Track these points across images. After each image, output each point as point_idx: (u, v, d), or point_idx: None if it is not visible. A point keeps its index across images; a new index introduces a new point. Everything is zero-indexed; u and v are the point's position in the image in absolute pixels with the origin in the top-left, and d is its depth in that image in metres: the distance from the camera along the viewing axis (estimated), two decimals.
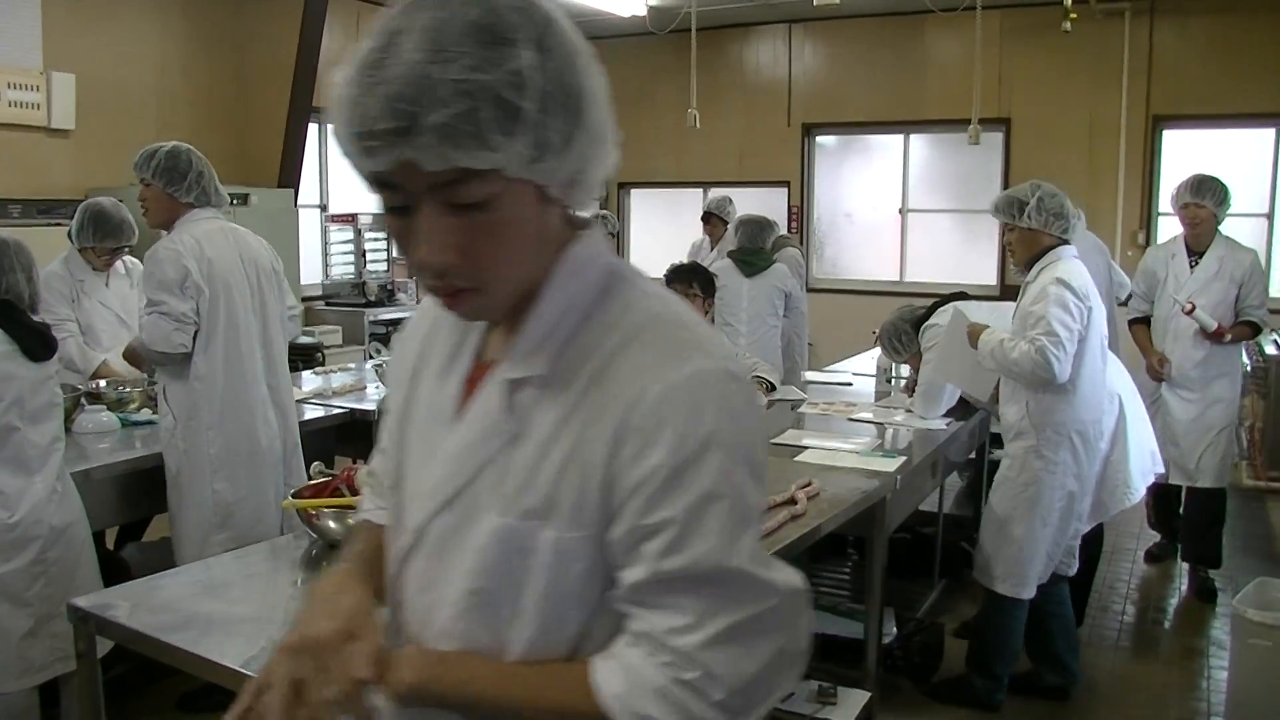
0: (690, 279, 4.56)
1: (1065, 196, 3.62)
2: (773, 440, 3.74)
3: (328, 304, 8.62)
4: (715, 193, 7.93)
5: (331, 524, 2.40)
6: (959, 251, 9.50)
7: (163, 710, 3.49)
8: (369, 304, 8.57)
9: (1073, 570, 3.82)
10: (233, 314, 3.42)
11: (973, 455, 5.05)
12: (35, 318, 3.02)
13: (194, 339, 3.36)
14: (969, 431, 4.34)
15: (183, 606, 2.10)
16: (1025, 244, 3.63)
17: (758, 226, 5.83)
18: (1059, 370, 3.37)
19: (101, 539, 4.45)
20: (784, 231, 8.34)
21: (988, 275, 9.24)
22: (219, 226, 3.46)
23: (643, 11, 8.45)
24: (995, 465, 5.21)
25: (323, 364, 6.72)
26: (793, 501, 2.83)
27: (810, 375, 5.39)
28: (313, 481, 2.58)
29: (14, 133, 6.28)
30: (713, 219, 7.23)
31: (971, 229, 9.45)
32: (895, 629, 3.66)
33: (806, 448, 3.59)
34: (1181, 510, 5.03)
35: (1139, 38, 8.35)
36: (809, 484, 2.99)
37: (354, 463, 4.21)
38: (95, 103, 6.65)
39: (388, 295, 8.78)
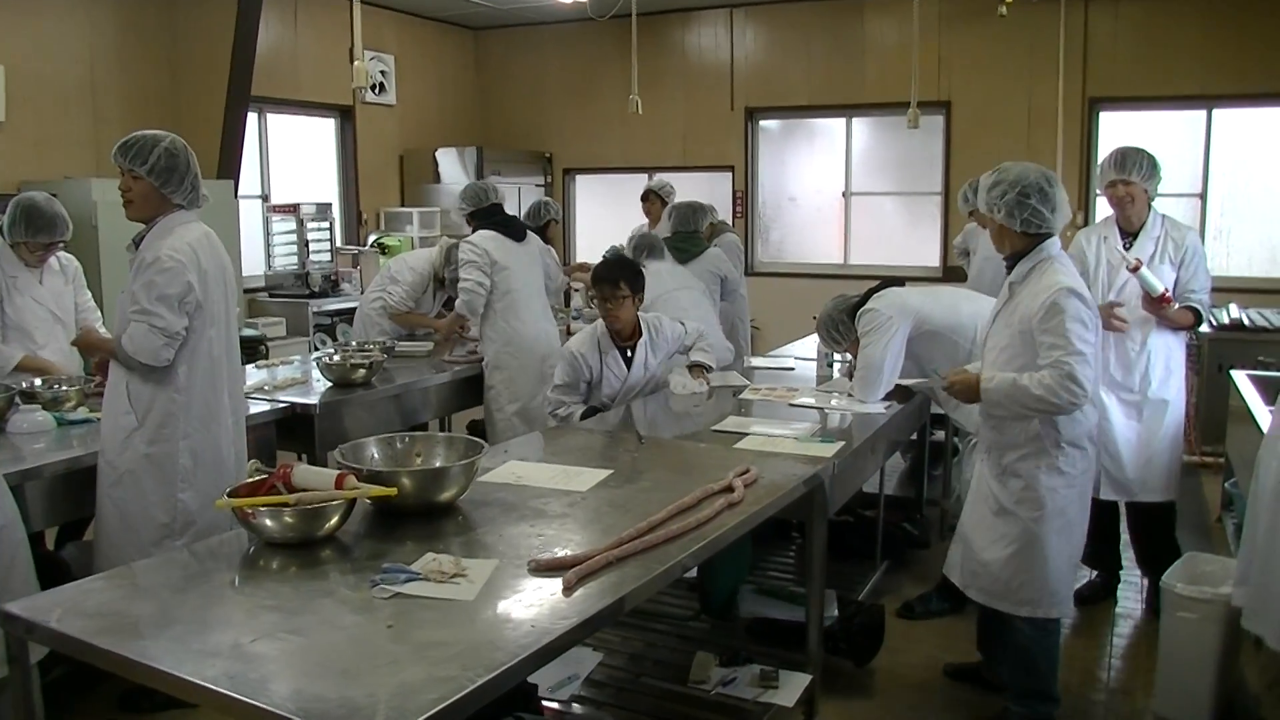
0: (618, 280, 4.36)
1: (1050, 183, 3.23)
2: (714, 427, 3.78)
3: (271, 295, 8.54)
4: (659, 176, 7.93)
5: (268, 522, 2.38)
6: (902, 234, 9.60)
7: (103, 711, 3.47)
8: (313, 295, 8.50)
9: None
10: (213, 325, 3.37)
11: (914, 436, 5.14)
12: None
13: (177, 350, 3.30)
14: (908, 414, 4.40)
15: (116, 609, 2.08)
16: (1003, 235, 3.29)
17: (690, 210, 5.88)
18: (1091, 391, 3.12)
19: (41, 539, 4.41)
20: (724, 216, 8.39)
21: (931, 258, 9.36)
22: (203, 233, 3.37)
23: None
24: (937, 446, 5.35)
25: (266, 356, 6.67)
26: (730, 489, 2.86)
27: (753, 361, 5.43)
28: (249, 480, 2.57)
29: None
30: (652, 197, 7.22)
31: (914, 211, 9.56)
32: (837, 611, 3.72)
33: (746, 434, 3.63)
34: (1125, 522, 4.61)
35: (1074, 21, 8.48)
36: (747, 471, 3.02)
37: (300, 457, 4.21)
38: (25, 95, 6.52)
39: (331, 286, 8.72)
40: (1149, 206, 4.29)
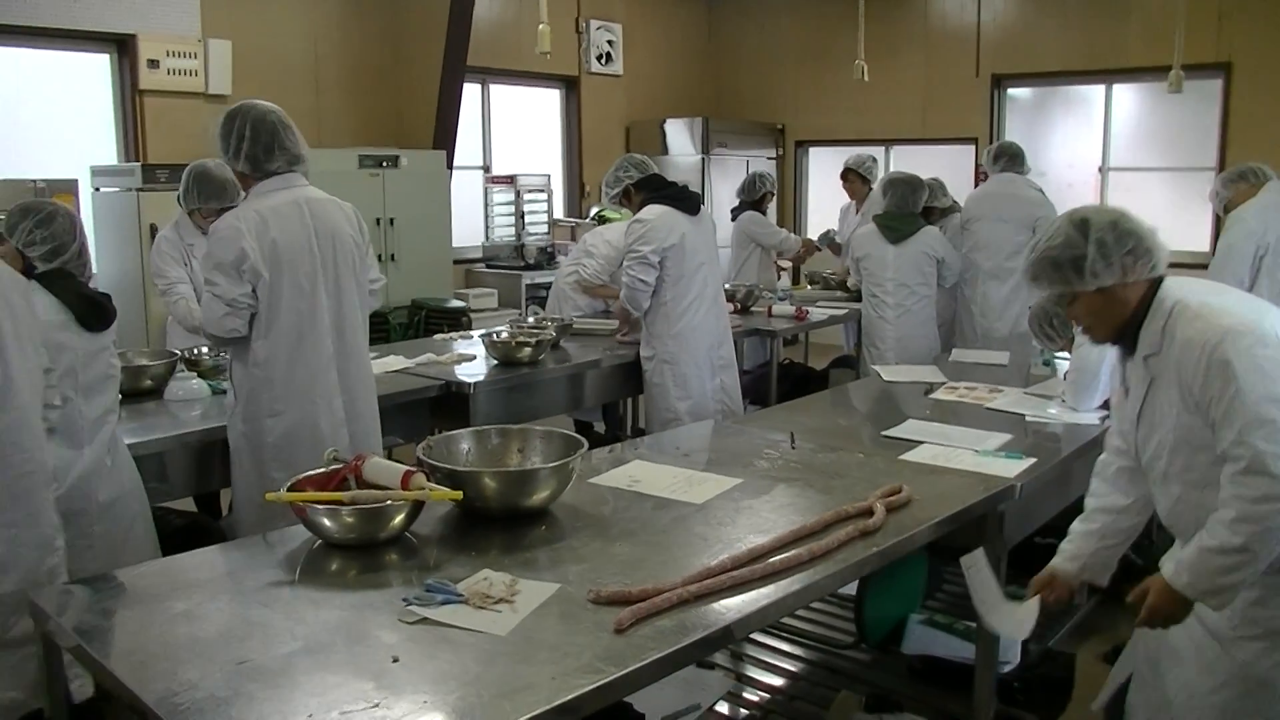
0: None
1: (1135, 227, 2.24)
2: (885, 432, 3.31)
3: (487, 266, 8.57)
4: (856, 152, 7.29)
5: (325, 521, 2.17)
6: (1167, 214, 8.56)
7: None
8: (527, 267, 8.46)
9: None
10: (299, 297, 3.15)
11: None
12: (91, 286, 2.97)
13: (251, 322, 3.15)
14: None
15: (140, 613, 1.91)
16: (1106, 309, 2.26)
17: (909, 188, 5.28)
18: None
19: (216, 501, 4.49)
20: (964, 192, 7.69)
21: (1199, 241, 8.30)
22: (292, 198, 3.17)
23: None
24: None
25: (469, 328, 6.63)
26: (869, 513, 2.42)
27: (957, 355, 4.85)
28: (316, 471, 2.37)
29: (173, 99, 6.46)
30: (851, 176, 6.66)
31: (1182, 188, 8.53)
32: (1018, 657, 3.18)
33: (920, 444, 3.15)
34: None
35: None
36: (898, 491, 2.57)
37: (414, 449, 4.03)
38: (251, 69, 6.74)
39: (547, 258, 8.64)
40: None
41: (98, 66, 6.44)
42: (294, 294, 3.14)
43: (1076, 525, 2.54)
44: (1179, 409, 2.17)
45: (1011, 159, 5.80)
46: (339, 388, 3.25)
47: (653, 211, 4.63)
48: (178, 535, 3.38)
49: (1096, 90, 8.77)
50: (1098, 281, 2.20)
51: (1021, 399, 3.83)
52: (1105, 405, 3.59)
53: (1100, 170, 8.79)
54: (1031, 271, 2.31)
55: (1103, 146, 8.78)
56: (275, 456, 3.13)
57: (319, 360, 3.21)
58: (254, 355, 3.15)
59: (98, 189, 6.09)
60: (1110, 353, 3.48)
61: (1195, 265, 7.57)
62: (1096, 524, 2.50)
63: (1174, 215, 8.53)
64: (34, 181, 5.38)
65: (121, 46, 6.38)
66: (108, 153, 6.46)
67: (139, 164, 5.92)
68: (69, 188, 5.55)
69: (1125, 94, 8.69)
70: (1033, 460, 2.98)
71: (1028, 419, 3.56)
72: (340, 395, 3.25)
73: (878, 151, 9.62)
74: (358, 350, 3.34)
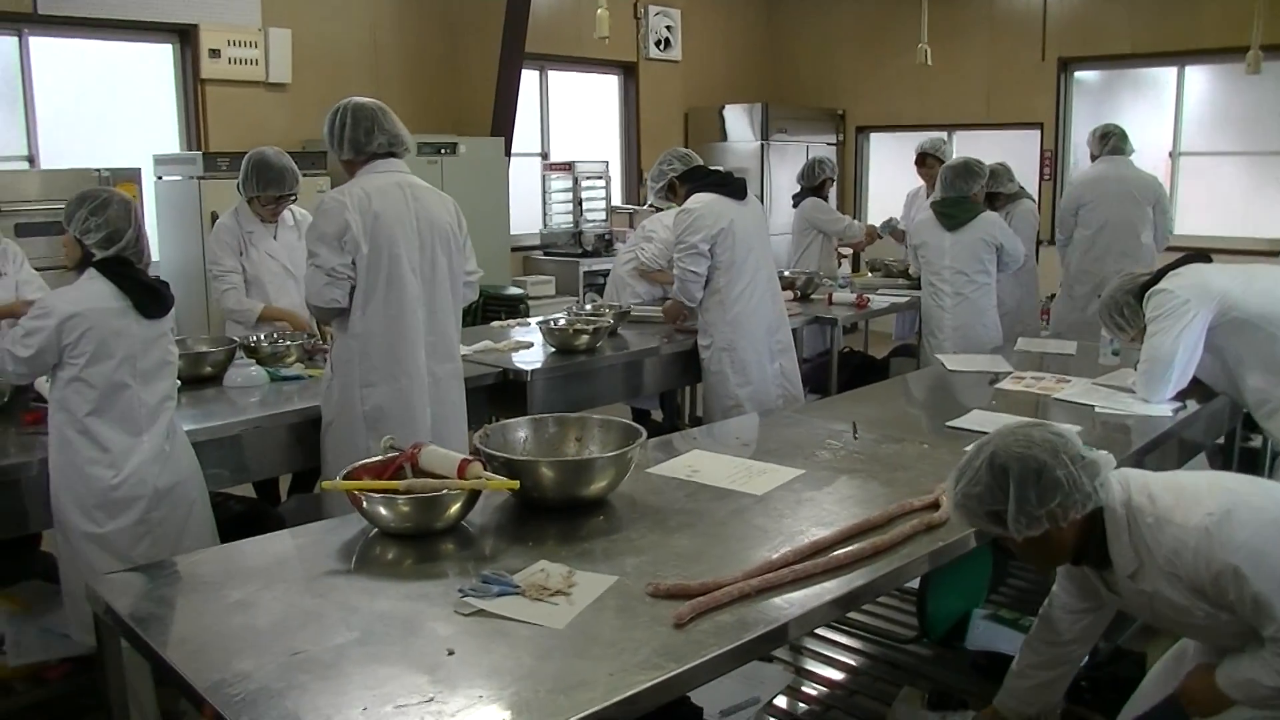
0: None
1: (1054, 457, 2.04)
2: (950, 423, 3.23)
3: (545, 253, 8.56)
4: (932, 136, 7.19)
5: (381, 510, 2.15)
6: (1242, 200, 8.31)
7: None
8: (585, 254, 8.43)
9: None
10: (396, 273, 3.23)
11: (1221, 441, 4.31)
12: (151, 274, 2.98)
13: (351, 294, 3.22)
14: (1208, 417, 3.64)
15: (196, 601, 1.91)
16: (1044, 551, 2.10)
17: (966, 173, 5.15)
18: None
19: (275, 488, 4.52)
20: (1030, 178, 7.53)
21: (1276, 228, 8.03)
22: (395, 181, 3.27)
23: None
24: (1248, 453, 4.46)
25: (526, 315, 6.62)
26: (934, 506, 2.36)
27: (1023, 344, 4.72)
28: (373, 459, 2.35)
29: (233, 88, 6.51)
30: (929, 160, 6.52)
31: (1258, 173, 8.27)
32: (1088, 654, 3.08)
33: (984, 435, 3.05)
34: None
35: None
36: None
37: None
38: (310, 57, 6.78)
39: (605, 245, 8.59)
40: None
41: (160, 57, 6.51)
42: (392, 269, 3.21)
43: (1038, 673, 2.51)
44: (1203, 610, 2.04)
45: (1121, 139, 5.78)
46: (426, 369, 3.31)
47: (699, 200, 4.59)
48: (236, 521, 3.40)
49: (1167, 73, 8.52)
50: (1025, 534, 2.01)
51: (1090, 390, 3.71)
52: (1179, 396, 3.48)
53: (1171, 155, 8.56)
54: (956, 510, 2.13)
55: (1174, 130, 8.53)
56: (372, 426, 3.18)
57: (413, 335, 3.28)
58: (352, 327, 3.24)
59: (160, 177, 6.17)
60: (1184, 344, 3.38)
61: (1271, 253, 7.35)
62: (1057, 671, 2.51)
63: (1248, 201, 8.29)
64: (98, 170, 5.46)
65: (184, 37, 6.45)
66: (170, 141, 6.54)
67: (200, 152, 5.98)
68: (132, 176, 5.62)
69: (1197, 75, 8.44)
70: (1102, 453, 2.87)
71: (1097, 410, 3.45)
72: (428, 376, 3.31)
73: (940, 138, 9.45)
74: (446, 336, 3.40)
